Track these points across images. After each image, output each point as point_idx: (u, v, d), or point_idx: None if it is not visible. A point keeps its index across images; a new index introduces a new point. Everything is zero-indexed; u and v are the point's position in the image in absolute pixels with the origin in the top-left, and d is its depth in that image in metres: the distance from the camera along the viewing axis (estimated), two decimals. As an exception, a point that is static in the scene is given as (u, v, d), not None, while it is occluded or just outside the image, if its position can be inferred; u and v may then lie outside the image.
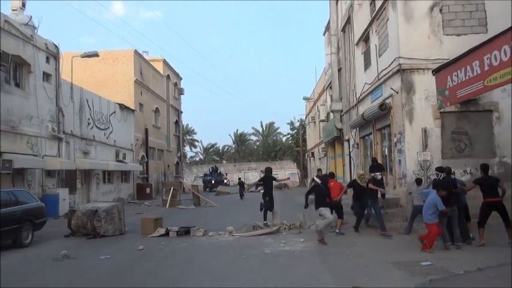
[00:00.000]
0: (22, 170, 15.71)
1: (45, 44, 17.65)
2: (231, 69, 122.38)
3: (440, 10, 12.94)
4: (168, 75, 39.08)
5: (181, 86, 44.23)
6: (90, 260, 9.51)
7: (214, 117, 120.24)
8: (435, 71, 9.88)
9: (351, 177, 21.39)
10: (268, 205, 13.59)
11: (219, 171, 48.76)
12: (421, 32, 12.94)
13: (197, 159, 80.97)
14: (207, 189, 41.67)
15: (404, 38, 13.00)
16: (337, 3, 23.74)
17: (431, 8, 12.99)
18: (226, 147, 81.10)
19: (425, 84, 12.53)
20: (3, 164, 13.88)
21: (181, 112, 44.34)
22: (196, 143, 79.46)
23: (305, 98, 38.57)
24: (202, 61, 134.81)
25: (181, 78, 44.16)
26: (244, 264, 8.51)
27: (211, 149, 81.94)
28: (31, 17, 17.57)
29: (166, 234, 12.59)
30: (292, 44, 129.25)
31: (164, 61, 37.90)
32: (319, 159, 34.29)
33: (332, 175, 13.79)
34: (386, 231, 11.19)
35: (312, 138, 38.84)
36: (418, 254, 8.72)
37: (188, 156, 73.10)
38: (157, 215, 14.68)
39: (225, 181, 45.14)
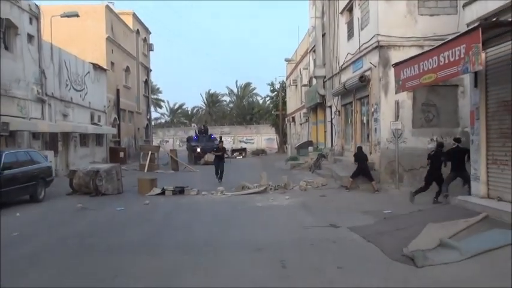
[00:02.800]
0: (13, 133, 18.53)
1: (29, 5, 20.11)
2: (203, 26, 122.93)
3: (417, -9, 16.32)
4: (137, 29, 41.29)
5: (151, 42, 46.53)
6: (108, 210, 12.87)
7: (182, 75, 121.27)
8: (395, 65, 13.49)
9: (332, 143, 25.20)
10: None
11: (210, 134, 40.09)
12: (398, 11, 16.29)
13: (162, 121, 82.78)
14: (198, 160, 33.67)
15: (383, 16, 16.36)
16: (323, -34, 26.71)
17: (409, -11, 16.35)
18: (196, 109, 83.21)
19: (400, 60, 15.92)
20: (2, 126, 16.74)
21: (151, 70, 46.83)
22: (162, 103, 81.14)
23: (286, 60, 41.70)
24: (171, 14, 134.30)
25: (150, 33, 46.34)
26: (242, 213, 12.12)
27: (179, 110, 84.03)
28: (13, -25, 19.78)
29: (162, 193, 16.03)
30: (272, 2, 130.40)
31: (134, 15, 40.05)
32: (300, 124, 37.93)
33: None
34: None
35: (293, 102, 42.11)
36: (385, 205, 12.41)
37: (152, 118, 73.09)
38: (151, 176, 18.11)
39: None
